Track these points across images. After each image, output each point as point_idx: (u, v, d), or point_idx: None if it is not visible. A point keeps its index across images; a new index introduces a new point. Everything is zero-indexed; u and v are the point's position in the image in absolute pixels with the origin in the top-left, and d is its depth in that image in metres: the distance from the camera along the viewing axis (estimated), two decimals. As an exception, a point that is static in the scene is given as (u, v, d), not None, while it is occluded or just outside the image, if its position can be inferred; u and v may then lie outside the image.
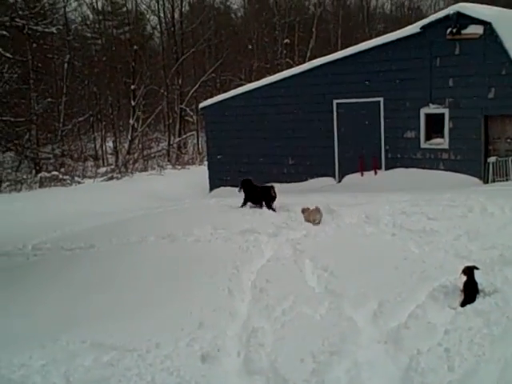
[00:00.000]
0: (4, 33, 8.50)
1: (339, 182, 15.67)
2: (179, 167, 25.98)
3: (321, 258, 6.72)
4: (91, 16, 37.20)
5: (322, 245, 7.47)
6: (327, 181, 15.81)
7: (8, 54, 9.21)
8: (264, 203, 10.70)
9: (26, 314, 6.02)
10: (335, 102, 15.52)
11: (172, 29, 34.38)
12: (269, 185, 11.80)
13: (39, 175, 24.63)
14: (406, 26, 15.62)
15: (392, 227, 7.91)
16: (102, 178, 24.08)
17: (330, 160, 15.81)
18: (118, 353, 4.57)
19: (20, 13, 9.20)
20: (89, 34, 37.86)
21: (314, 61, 16.86)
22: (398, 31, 15.05)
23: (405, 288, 5.53)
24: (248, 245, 7.71)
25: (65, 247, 9.72)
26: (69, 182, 23.61)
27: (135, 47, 31.59)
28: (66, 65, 29.43)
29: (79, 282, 7.15)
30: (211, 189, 17.97)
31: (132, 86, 31.27)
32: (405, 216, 8.33)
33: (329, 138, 15.73)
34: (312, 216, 8.78)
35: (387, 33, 16.58)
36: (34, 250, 10.06)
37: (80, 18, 36.29)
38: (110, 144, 34.17)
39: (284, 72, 17.88)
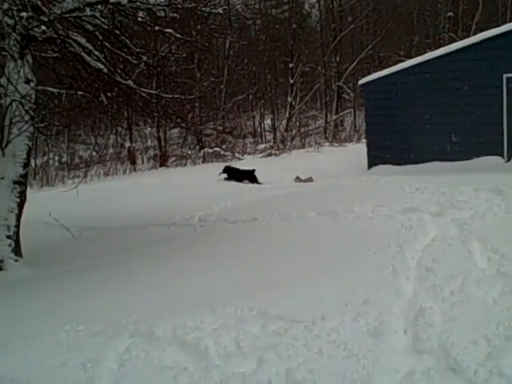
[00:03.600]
0: (175, 15, 8.89)
1: (508, 161, 14.73)
2: (336, 145, 25.90)
3: (491, 240, 6.35)
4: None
5: (491, 226, 7.05)
6: (494, 159, 14.91)
7: (178, 35, 9.60)
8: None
9: (195, 278, 6.35)
10: (505, 76, 14.55)
11: (330, 6, 34.14)
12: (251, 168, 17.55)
13: (202, 151, 25.81)
14: None
15: None
16: (261, 155, 24.69)
17: (497, 138, 14.88)
18: (284, 323, 4.66)
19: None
20: (248, 15, 38.66)
21: (481, 34, 15.88)
22: None
23: None
24: (411, 223, 7.49)
25: (228, 220, 10.11)
26: (229, 157, 24.50)
27: (294, 26, 31.81)
28: (227, 45, 30.34)
29: (242, 252, 7.41)
30: (369, 166, 17.69)
31: (290, 65, 31.59)
32: None
33: (497, 115, 14.81)
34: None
35: None
36: (200, 222, 10.60)
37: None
38: (268, 121, 34.86)
39: (448, 46, 17.05)
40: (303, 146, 27.24)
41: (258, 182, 17.32)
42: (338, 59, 32.84)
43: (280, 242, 7.62)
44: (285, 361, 4.15)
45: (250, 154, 26.30)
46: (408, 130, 16.58)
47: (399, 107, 16.82)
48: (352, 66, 32.52)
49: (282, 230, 8.48)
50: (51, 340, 4.87)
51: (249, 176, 17.42)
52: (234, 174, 17.51)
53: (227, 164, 19.05)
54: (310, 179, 16.21)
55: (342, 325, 4.54)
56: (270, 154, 24.45)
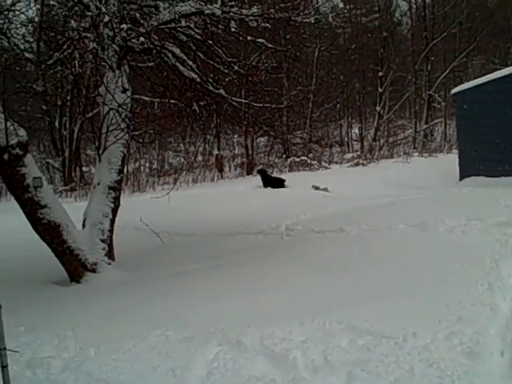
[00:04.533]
0: (267, 25, 8.95)
1: None
2: (426, 155, 25.25)
3: None
4: (341, 5, 37.71)
5: None
6: None
7: (269, 45, 9.67)
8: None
9: (283, 288, 6.34)
10: None
11: (422, 13, 33.41)
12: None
13: (289, 160, 25.85)
14: None
15: None
16: (347, 164, 24.44)
17: None
18: (373, 338, 4.57)
19: (282, 5, 9.62)
20: (337, 24, 38.41)
21: None
22: None
23: None
24: (507, 238, 7.20)
25: (315, 229, 10.05)
26: (316, 166, 24.40)
27: (384, 34, 31.36)
28: (316, 54, 30.29)
29: (330, 263, 7.33)
30: (461, 178, 17.11)
31: (379, 73, 31.15)
32: None
33: None
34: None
35: None
36: (287, 231, 10.59)
37: (330, 8, 37.00)
38: (355, 131, 34.48)
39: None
40: (391, 156, 26.73)
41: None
42: (429, 67, 32.07)
43: (368, 254, 7.49)
44: (374, 378, 4.06)
45: (336, 163, 26.09)
46: (503, 141, 15.91)
47: (493, 117, 16.17)
48: (444, 74, 31.65)
49: (371, 241, 8.34)
50: (142, 344, 4.99)
51: (280, 184, 18.79)
52: (268, 181, 19.21)
53: (261, 167, 21.85)
54: (325, 189, 17.39)
55: (435, 343, 4.40)
56: (357, 164, 24.14)
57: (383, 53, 31.34)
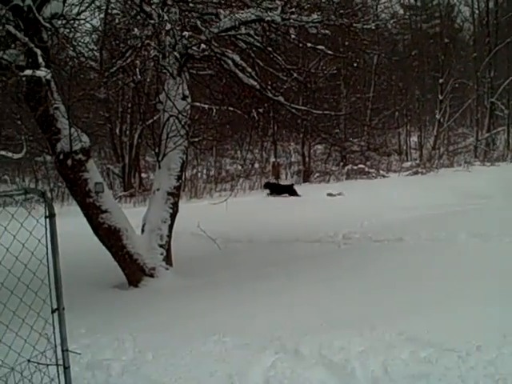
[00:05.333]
0: (326, 32, 8.90)
1: None
2: (488, 164, 24.56)
3: None
4: (401, 11, 37.26)
5: None
6: None
7: (329, 52, 9.61)
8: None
9: (338, 298, 6.26)
10: None
11: (485, 19, 32.61)
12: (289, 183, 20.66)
13: (346, 168, 25.64)
14: None
15: None
16: (406, 173, 24.03)
17: None
18: (435, 350, 4.43)
19: (341, 11, 9.55)
20: (396, 30, 37.96)
21: None
22: None
23: None
24: None
25: (373, 238, 9.91)
26: (373, 175, 24.09)
27: (446, 40, 30.78)
28: (375, 60, 29.98)
29: (388, 272, 7.20)
30: (525, 188, 16.58)
31: (440, 80, 30.55)
32: None
33: None
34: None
35: None
36: (345, 239, 10.48)
37: (389, 15, 36.61)
38: (414, 139, 33.90)
39: None
40: (451, 165, 26.12)
41: (297, 195, 19.33)
42: (491, 74, 31.25)
43: (429, 264, 7.35)
44: (437, 392, 3.94)
45: (395, 171, 25.68)
46: None
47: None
48: (507, 81, 30.77)
49: (431, 251, 8.19)
50: (200, 349, 5.00)
51: (288, 190, 19.67)
52: (274, 189, 20.14)
53: (268, 180, 22.80)
54: (340, 193, 18.34)
55: (501, 357, 4.23)
56: (416, 173, 23.69)
57: (444, 59, 30.72)
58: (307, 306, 6.05)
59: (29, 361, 3.90)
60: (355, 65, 12.80)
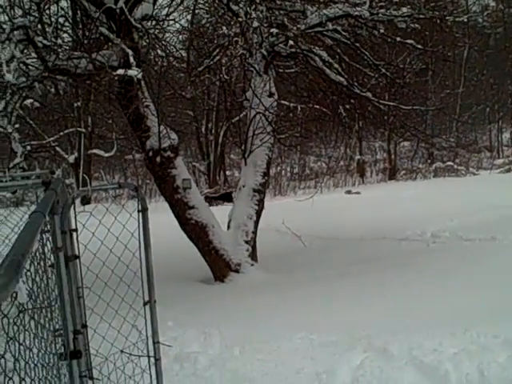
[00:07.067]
0: (416, 25, 8.68)
1: None
2: None
3: None
4: (492, 4, 35.85)
5: None
6: None
7: (419, 46, 9.35)
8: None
9: (429, 298, 6.08)
10: None
11: None
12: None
13: (434, 165, 24.99)
14: None
15: None
16: (498, 170, 23.16)
17: None
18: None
19: (432, 4, 9.30)
20: (488, 23, 36.57)
21: None
22: None
23: None
24: None
25: (463, 237, 9.59)
26: (463, 172, 23.36)
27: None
28: (465, 54, 29.03)
29: (480, 273, 6.92)
30: None
31: (535, 74, 29.25)
32: None
33: None
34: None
35: None
36: (433, 237, 10.19)
37: (480, 8, 35.30)
38: (506, 135, 32.59)
39: None
40: (549, 162, 24.98)
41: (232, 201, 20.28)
42: None
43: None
44: (537, 398, 3.75)
45: (485, 169, 24.80)
46: None
47: None
48: None
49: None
50: (286, 346, 4.98)
51: (226, 197, 20.99)
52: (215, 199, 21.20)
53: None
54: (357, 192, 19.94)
55: None
56: (508, 170, 22.79)
57: (539, 52, 29.36)
58: (394, 305, 5.93)
59: (121, 351, 3.99)
60: (446, 59, 12.28)
